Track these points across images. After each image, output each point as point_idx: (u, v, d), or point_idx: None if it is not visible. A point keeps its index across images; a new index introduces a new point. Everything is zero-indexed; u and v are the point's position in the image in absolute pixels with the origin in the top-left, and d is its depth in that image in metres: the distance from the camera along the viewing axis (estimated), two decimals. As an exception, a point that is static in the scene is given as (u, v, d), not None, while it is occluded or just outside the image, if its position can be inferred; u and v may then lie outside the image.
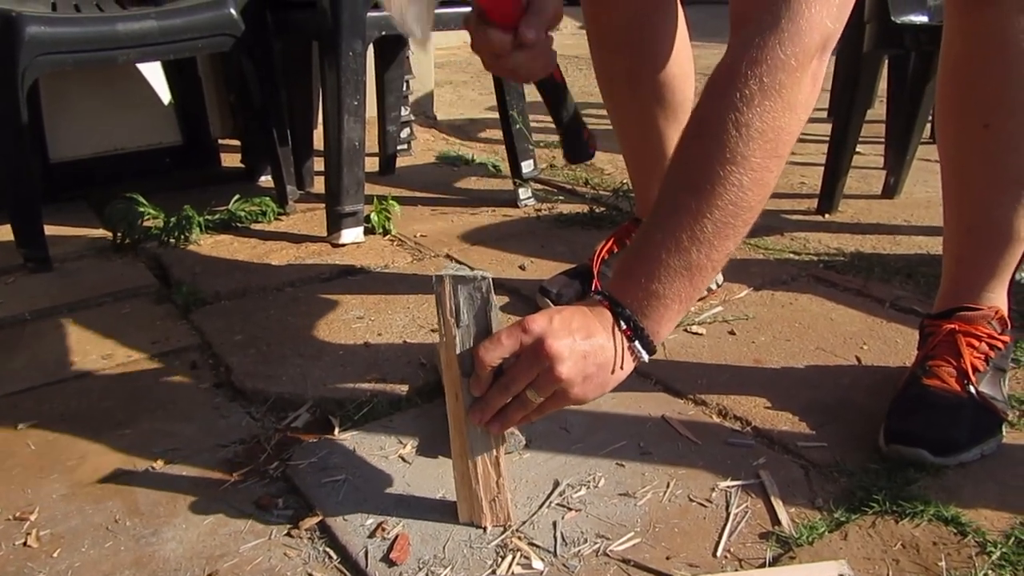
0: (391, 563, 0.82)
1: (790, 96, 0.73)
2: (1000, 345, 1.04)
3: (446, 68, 4.50)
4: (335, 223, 1.74)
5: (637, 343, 0.78)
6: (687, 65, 1.32)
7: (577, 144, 1.06)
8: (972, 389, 0.99)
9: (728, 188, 0.73)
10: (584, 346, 0.76)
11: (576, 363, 0.75)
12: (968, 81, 0.99)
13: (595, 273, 1.36)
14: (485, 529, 0.86)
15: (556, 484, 0.94)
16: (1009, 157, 0.98)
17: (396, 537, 0.85)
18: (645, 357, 0.79)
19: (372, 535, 0.86)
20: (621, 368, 0.79)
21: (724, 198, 0.74)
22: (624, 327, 0.77)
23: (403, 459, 1.00)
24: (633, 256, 0.79)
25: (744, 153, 0.73)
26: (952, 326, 1.04)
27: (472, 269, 0.81)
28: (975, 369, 1.01)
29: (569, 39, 4.91)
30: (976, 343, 1.02)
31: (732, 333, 1.31)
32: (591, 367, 0.77)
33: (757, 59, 0.72)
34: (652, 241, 0.77)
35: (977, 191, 1.02)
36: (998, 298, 1.06)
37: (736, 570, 0.81)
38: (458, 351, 0.81)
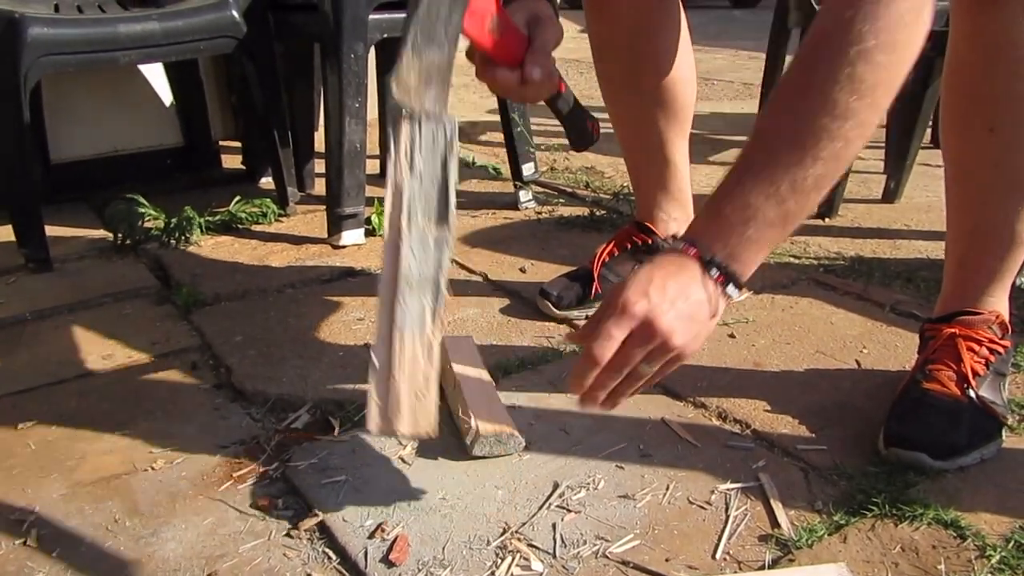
0: (390, 564, 0.82)
1: (905, 52, 0.74)
2: (1000, 349, 1.04)
3: (447, 71, 4.50)
4: (336, 225, 1.74)
5: (730, 286, 0.79)
6: (689, 70, 1.32)
7: (581, 132, 1.06)
8: (972, 393, 0.99)
9: (833, 141, 0.74)
10: (687, 309, 0.76)
11: (685, 329, 0.76)
12: (973, 85, 0.99)
13: (595, 276, 1.37)
14: (401, 438, 0.71)
15: (556, 486, 0.94)
16: (1014, 161, 0.98)
17: (396, 538, 0.86)
18: (736, 296, 0.80)
19: (372, 536, 0.86)
20: (716, 314, 0.80)
21: (828, 151, 0.74)
22: (716, 275, 0.78)
23: (403, 460, 1.00)
24: (724, 203, 0.78)
25: (855, 108, 0.73)
26: (953, 330, 1.04)
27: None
28: (975, 373, 1.01)
29: (570, 43, 4.90)
30: (976, 347, 1.02)
31: (732, 336, 1.31)
32: (696, 325, 0.77)
33: (875, 15, 0.72)
34: (746, 189, 0.76)
35: (981, 195, 1.02)
36: (999, 302, 1.06)
37: (735, 572, 0.81)
38: (405, 198, 0.71)
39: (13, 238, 1.64)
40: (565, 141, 1.31)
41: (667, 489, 0.94)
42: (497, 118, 2.10)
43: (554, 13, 0.95)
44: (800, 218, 0.78)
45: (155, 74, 2.20)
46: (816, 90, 0.75)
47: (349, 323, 1.37)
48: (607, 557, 0.83)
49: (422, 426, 0.74)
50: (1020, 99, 0.95)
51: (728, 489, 0.94)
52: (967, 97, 1.00)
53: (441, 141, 0.72)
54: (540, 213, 1.96)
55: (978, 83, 0.98)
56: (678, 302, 0.76)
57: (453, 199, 0.73)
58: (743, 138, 2.84)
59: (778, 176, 0.75)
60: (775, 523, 0.88)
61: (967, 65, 0.99)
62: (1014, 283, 1.08)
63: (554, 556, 0.84)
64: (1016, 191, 0.99)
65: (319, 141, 2.01)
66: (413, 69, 0.70)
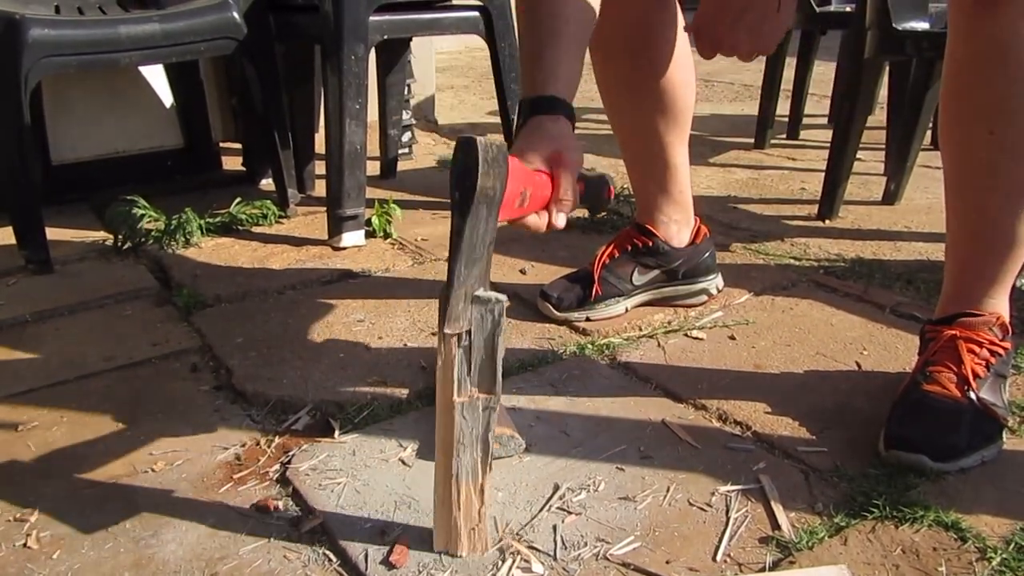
0: (391, 566, 0.82)
1: None
2: (1001, 351, 1.04)
3: (448, 72, 4.51)
4: (336, 226, 1.74)
5: None
6: (688, 72, 1.32)
7: (598, 203, 1.07)
8: (972, 395, 0.99)
9: None
10: None
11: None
12: (973, 87, 0.99)
13: (596, 278, 1.37)
14: (461, 556, 0.83)
15: (556, 488, 0.94)
16: (1013, 164, 0.98)
17: (396, 540, 0.85)
18: None
19: (372, 538, 0.86)
20: None
21: None
22: None
23: (403, 462, 1.00)
24: None
25: None
26: (953, 332, 1.04)
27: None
28: (976, 375, 1.01)
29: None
30: (977, 349, 1.02)
31: (732, 338, 1.31)
32: None
33: None
34: None
35: (981, 197, 1.02)
36: (1000, 304, 1.06)
37: (736, 574, 0.81)
38: (456, 374, 0.79)
39: (13, 239, 1.64)
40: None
41: (667, 491, 0.94)
42: (498, 119, 2.10)
43: (572, 130, 0.97)
44: None
45: (155, 75, 2.20)
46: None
47: (349, 324, 1.37)
48: (608, 559, 0.83)
49: (478, 548, 0.84)
50: (1019, 102, 0.95)
51: (728, 491, 0.94)
52: (966, 100, 1.00)
53: (489, 320, 0.78)
54: (540, 215, 1.95)
55: (977, 86, 0.98)
56: None
57: (500, 370, 0.80)
58: (743, 139, 2.87)
59: None
60: (776, 525, 0.88)
61: (966, 68, 0.99)
62: (1015, 284, 1.08)
63: (555, 558, 0.83)
64: (1015, 194, 0.99)
65: (319, 143, 2.01)
66: (460, 298, 0.77)
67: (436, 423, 0.81)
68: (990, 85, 0.96)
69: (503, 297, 0.79)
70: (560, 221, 0.92)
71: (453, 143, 2.76)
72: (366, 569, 0.82)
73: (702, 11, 1.12)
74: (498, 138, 2.55)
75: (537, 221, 0.92)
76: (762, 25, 1.09)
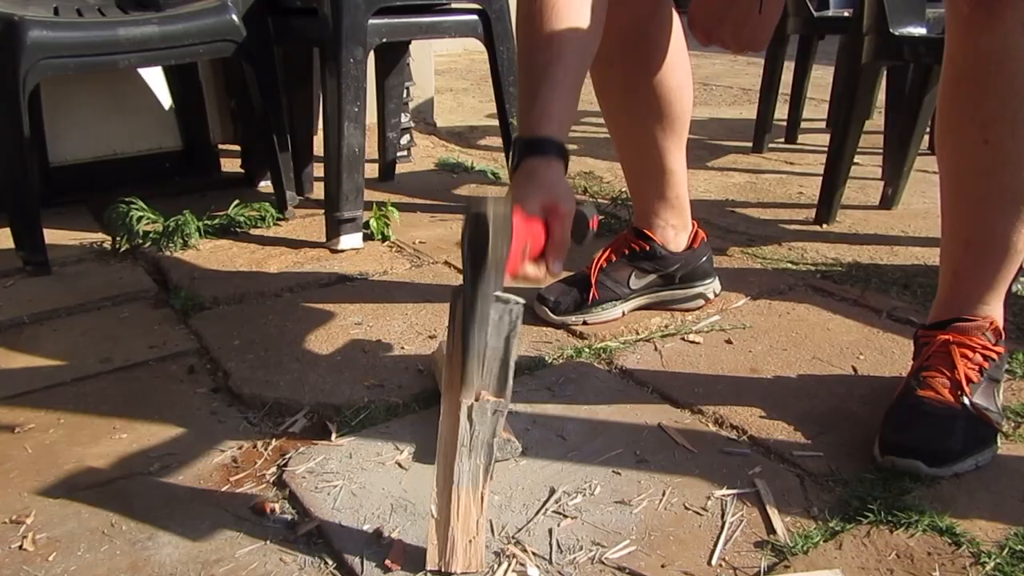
0: (387, 569, 0.82)
1: None
2: (994, 356, 1.04)
3: (446, 75, 4.51)
4: (334, 229, 1.74)
5: None
6: (685, 77, 1.33)
7: (583, 233, 1.08)
8: (966, 400, 1.00)
9: None
10: None
11: None
12: (969, 95, 0.99)
13: (593, 281, 1.37)
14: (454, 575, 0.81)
15: (552, 491, 0.95)
16: (1008, 173, 0.99)
17: (392, 543, 0.86)
18: None
19: (368, 541, 0.86)
20: None
21: None
22: None
23: (400, 465, 1.00)
24: None
25: None
26: (946, 337, 1.04)
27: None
28: (969, 380, 1.01)
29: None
30: (970, 354, 1.03)
31: (729, 342, 1.31)
32: None
33: None
34: None
35: (976, 205, 1.03)
36: (993, 309, 1.06)
37: (731, 579, 0.82)
38: (465, 376, 0.79)
39: (11, 241, 1.64)
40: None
41: (663, 495, 0.94)
42: (496, 122, 2.10)
43: (564, 173, 0.98)
44: None
45: (154, 78, 2.20)
46: None
47: (347, 327, 1.38)
48: (603, 563, 0.83)
49: (473, 564, 0.82)
50: (1015, 111, 0.96)
51: (724, 495, 0.94)
52: (962, 107, 1.01)
53: (507, 322, 0.79)
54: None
55: (974, 94, 0.98)
56: None
57: (512, 374, 0.80)
58: (741, 143, 2.87)
59: None
60: (771, 529, 0.88)
61: (963, 76, 0.99)
62: (1010, 290, 1.08)
63: (550, 561, 0.84)
64: (1010, 202, 1.00)
65: (318, 145, 2.01)
66: (475, 365, 0.79)
67: (440, 425, 0.81)
68: (987, 93, 0.97)
69: (521, 300, 0.80)
70: (557, 268, 0.94)
71: (452, 146, 2.76)
72: (362, 572, 0.82)
73: (695, 2, 1.17)
74: (497, 141, 2.53)
75: (536, 272, 0.93)
76: (744, 25, 1.15)
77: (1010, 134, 0.97)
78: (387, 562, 0.83)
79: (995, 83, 0.95)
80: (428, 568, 0.82)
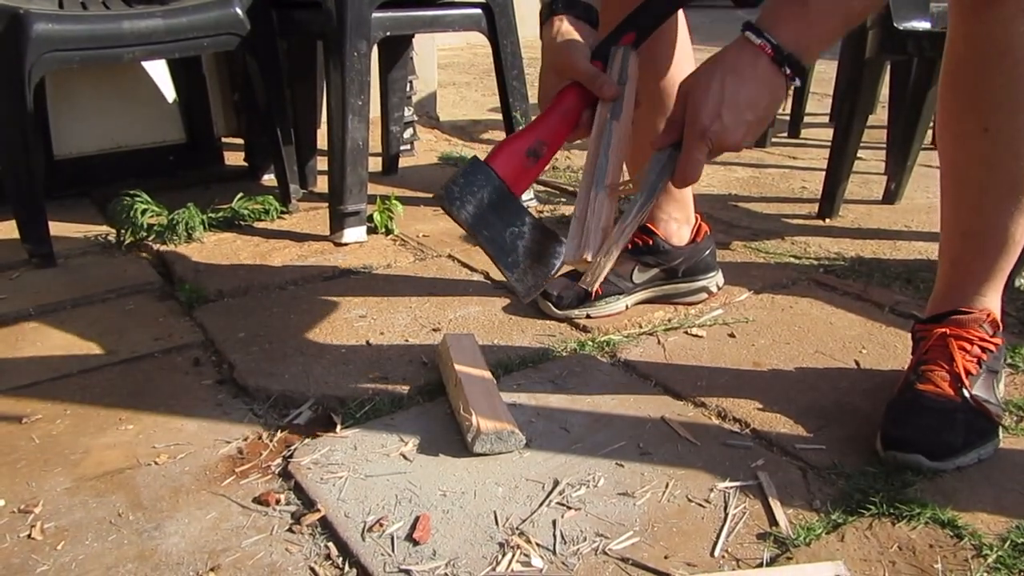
0: (416, 543, 0.83)
1: None
2: (992, 347, 1.04)
3: (449, 69, 4.51)
4: (338, 222, 1.74)
5: (796, 80, 0.87)
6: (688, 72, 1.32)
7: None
8: (966, 393, 1.00)
9: None
10: (755, 118, 0.87)
11: (751, 134, 0.88)
12: (969, 84, 0.99)
13: (596, 275, 1.37)
14: (588, 262, 0.87)
15: (556, 483, 0.95)
16: (1007, 162, 0.99)
17: (417, 518, 0.87)
18: (798, 83, 0.89)
19: (372, 531, 0.87)
20: (779, 102, 0.89)
21: None
22: (788, 71, 0.86)
23: (404, 457, 1.00)
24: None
25: None
26: (944, 330, 1.04)
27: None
28: (968, 372, 1.01)
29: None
30: (968, 346, 1.03)
31: (732, 336, 1.32)
32: (760, 126, 0.88)
33: None
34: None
35: (975, 195, 1.03)
36: (991, 301, 1.06)
37: (733, 570, 0.82)
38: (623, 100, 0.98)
39: (16, 233, 1.65)
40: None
41: (666, 487, 0.95)
42: (499, 116, 2.11)
43: (574, 28, 1.02)
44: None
45: (158, 71, 2.21)
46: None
47: (351, 320, 1.38)
48: (607, 554, 0.84)
49: (600, 268, 0.89)
50: (1015, 100, 0.96)
51: (727, 487, 0.94)
52: (963, 97, 1.01)
53: (629, 59, 1.00)
54: (542, 212, 1.96)
55: (974, 83, 0.98)
56: (747, 114, 0.86)
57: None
58: (744, 138, 2.84)
59: None
60: (773, 521, 0.88)
61: (964, 65, 0.99)
62: (1010, 283, 1.08)
63: (554, 552, 0.84)
64: (1009, 192, 1.00)
65: (321, 138, 2.01)
66: (525, 279, 0.93)
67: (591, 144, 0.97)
68: (987, 82, 0.97)
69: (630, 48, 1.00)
70: (609, 92, 1.00)
71: (455, 140, 2.76)
72: (368, 562, 0.83)
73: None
74: (500, 135, 2.54)
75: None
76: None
77: (1010, 122, 0.97)
78: (415, 535, 0.84)
79: (995, 72, 0.96)
80: (566, 259, 0.90)
